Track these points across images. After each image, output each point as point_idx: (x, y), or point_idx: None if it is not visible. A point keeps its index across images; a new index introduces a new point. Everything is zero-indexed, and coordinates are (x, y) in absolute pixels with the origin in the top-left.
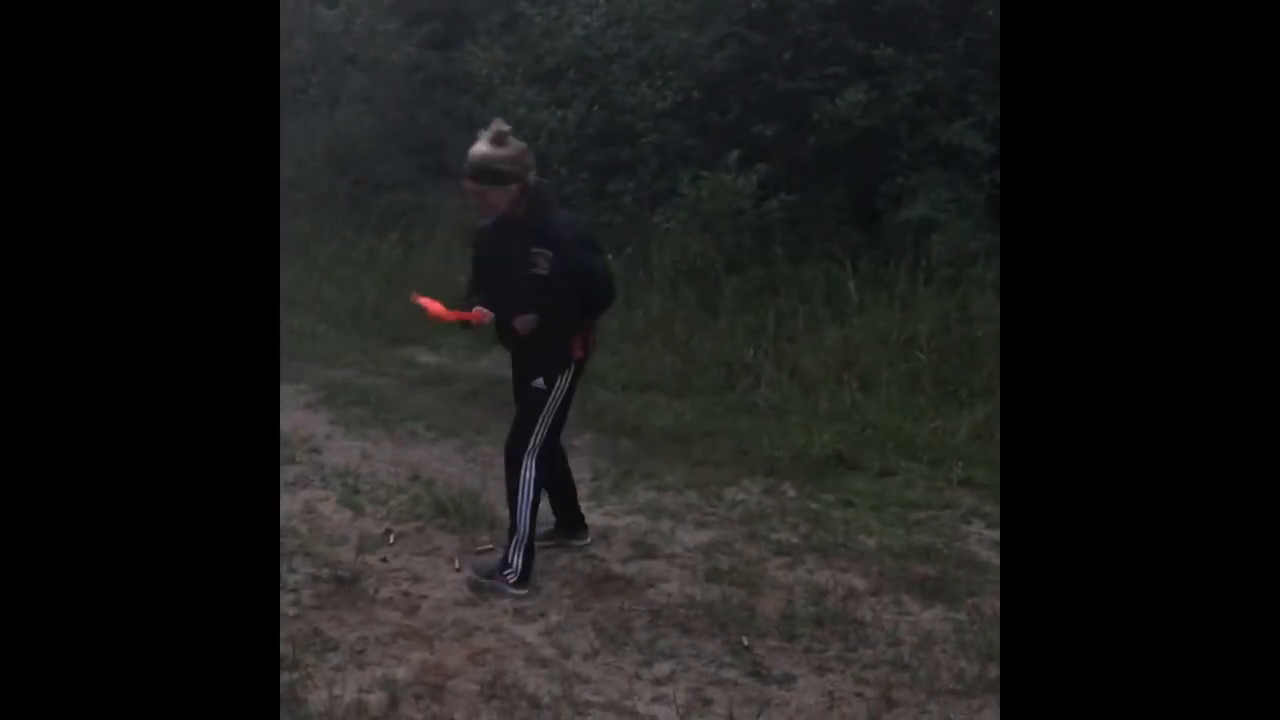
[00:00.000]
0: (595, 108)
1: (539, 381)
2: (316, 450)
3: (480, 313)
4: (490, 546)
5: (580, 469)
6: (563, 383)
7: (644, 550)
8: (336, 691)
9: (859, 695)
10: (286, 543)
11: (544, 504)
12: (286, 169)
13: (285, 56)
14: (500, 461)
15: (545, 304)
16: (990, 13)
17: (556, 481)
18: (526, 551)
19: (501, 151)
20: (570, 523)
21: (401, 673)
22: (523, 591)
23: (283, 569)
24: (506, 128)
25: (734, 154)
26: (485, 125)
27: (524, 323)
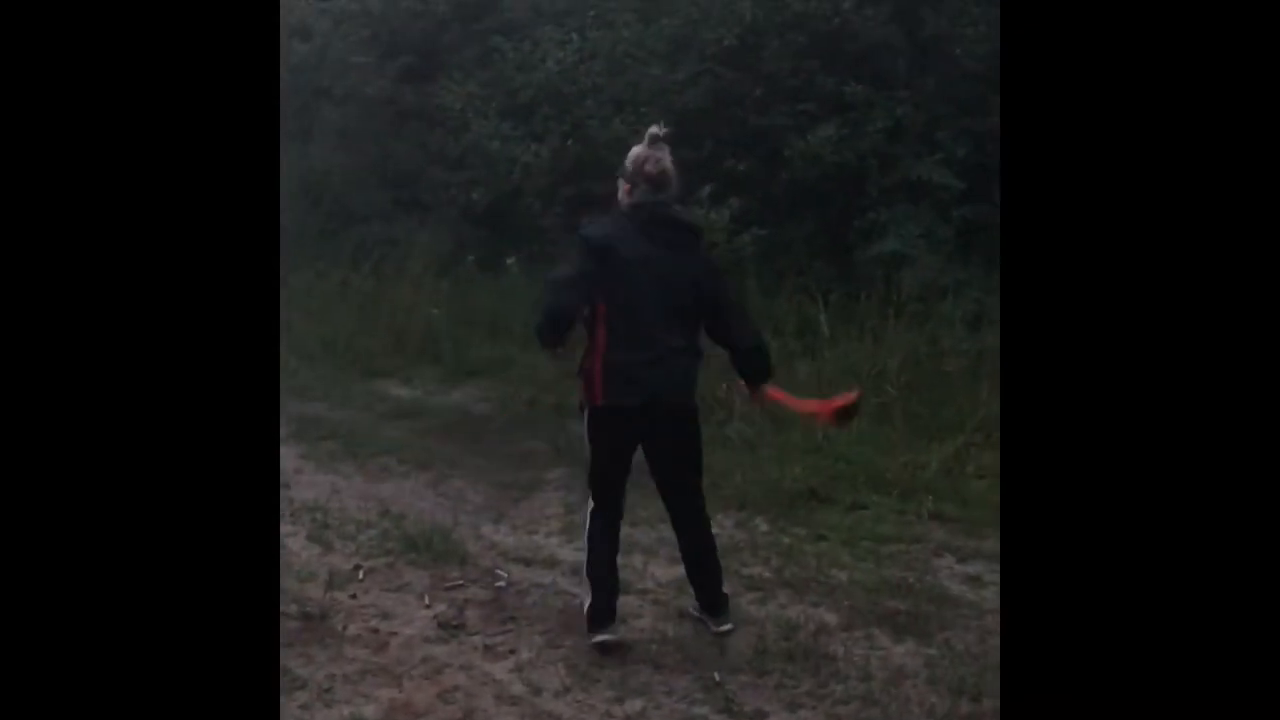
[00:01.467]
0: (569, 142)
1: None
2: (286, 485)
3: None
4: (460, 583)
5: (551, 504)
6: (584, 428)
7: None
8: None
9: None
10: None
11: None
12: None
13: None
14: (472, 495)
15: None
16: (958, 51)
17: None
18: (589, 606)
19: (635, 150)
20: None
21: (370, 711)
22: (600, 636)
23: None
24: (659, 131)
25: (706, 189)
26: (457, 159)
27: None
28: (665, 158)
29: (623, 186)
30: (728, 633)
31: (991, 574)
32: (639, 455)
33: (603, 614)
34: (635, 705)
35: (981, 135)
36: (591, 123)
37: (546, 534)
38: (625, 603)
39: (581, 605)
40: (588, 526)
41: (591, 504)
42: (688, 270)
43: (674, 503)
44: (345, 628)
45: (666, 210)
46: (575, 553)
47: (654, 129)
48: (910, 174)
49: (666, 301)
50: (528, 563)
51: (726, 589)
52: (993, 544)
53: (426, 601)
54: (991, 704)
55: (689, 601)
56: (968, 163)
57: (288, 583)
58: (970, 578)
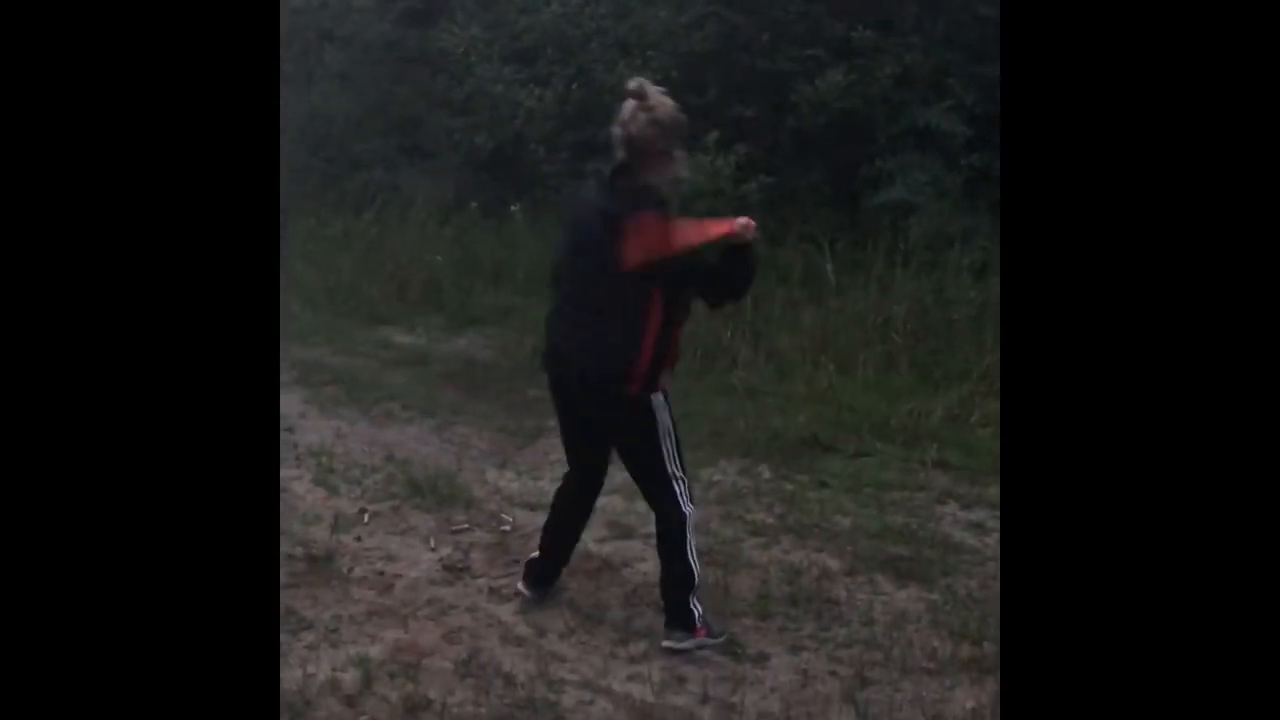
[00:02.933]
0: (573, 86)
1: None
2: (290, 429)
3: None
4: (466, 526)
5: (555, 450)
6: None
7: (620, 531)
8: (310, 670)
9: (833, 674)
10: None
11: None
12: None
13: None
14: (476, 440)
15: None
16: None
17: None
18: (533, 557)
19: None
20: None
21: (376, 651)
22: (525, 590)
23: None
24: (636, 82)
25: (712, 135)
26: (461, 104)
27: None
28: (625, 112)
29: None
30: (670, 650)
31: (994, 521)
32: None
33: (537, 573)
34: (639, 647)
35: (991, 82)
36: (596, 67)
37: (551, 480)
38: (629, 547)
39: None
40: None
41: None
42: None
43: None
44: (351, 570)
45: (616, 178)
46: None
47: (629, 83)
48: (918, 121)
49: (608, 281)
50: (532, 508)
51: (696, 604)
52: (996, 492)
53: (432, 545)
54: (993, 648)
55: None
56: (976, 110)
57: (293, 525)
58: (973, 524)
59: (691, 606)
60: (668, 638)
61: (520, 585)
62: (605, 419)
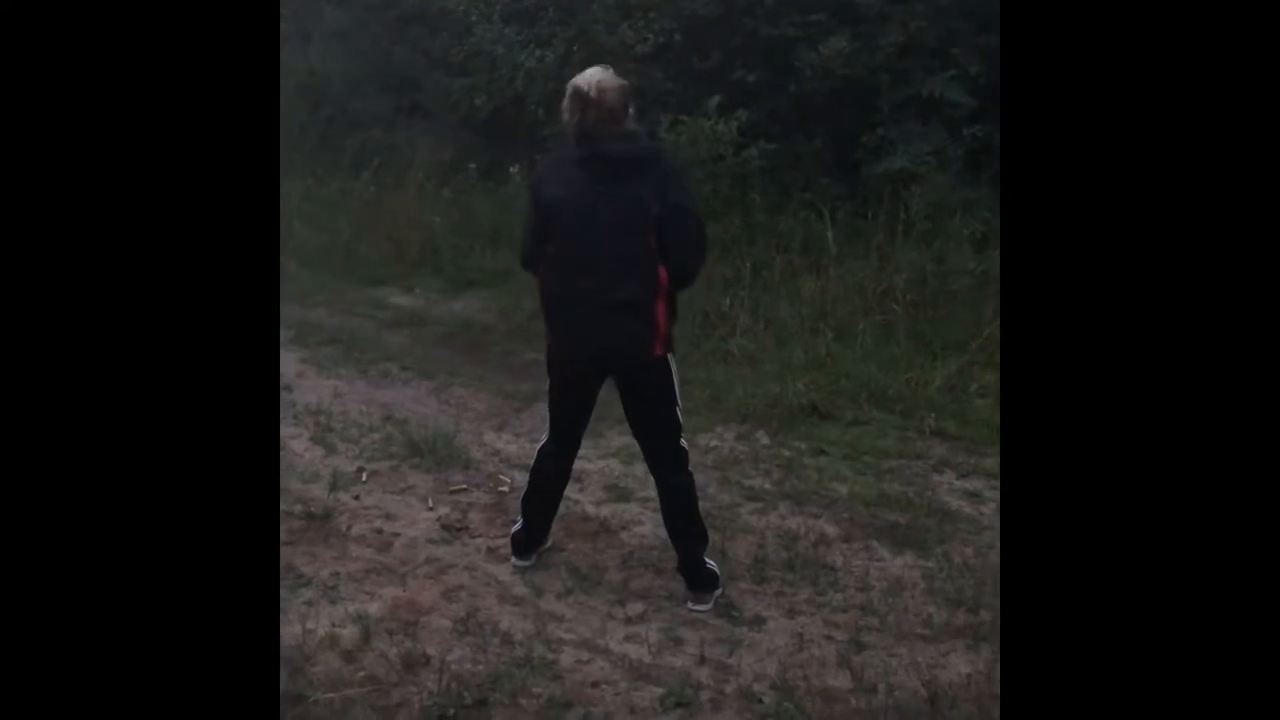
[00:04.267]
0: (574, 48)
1: None
2: (288, 388)
3: None
4: (464, 487)
5: None
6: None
7: (618, 494)
8: (309, 625)
9: (828, 638)
10: None
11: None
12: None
13: None
14: (474, 402)
15: None
16: None
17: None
18: (516, 529)
19: (578, 76)
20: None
21: (374, 608)
22: (519, 562)
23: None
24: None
25: (714, 100)
26: (460, 64)
27: None
28: (608, 78)
29: (569, 119)
30: (704, 613)
31: (991, 490)
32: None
33: (523, 542)
34: (636, 608)
35: (996, 52)
36: (597, 28)
37: None
38: (626, 510)
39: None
40: (535, 460)
41: (546, 437)
42: (640, 204)
43: (649, 457)
44: (349, 528)
45: (607, 145)
46: (578, 461)
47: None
48: (922, 90)
49: (613, 250)
50: (530, 469)
51: (712, 564)
52: (993, 461)
53: (430, 504)
54: (989, 616)
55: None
56: (980, 80)
57: (291, 483)
58: (970, 493)
59: (710, 565)
60: (697, 602)
61: (514, 560)
62: (635, 386)
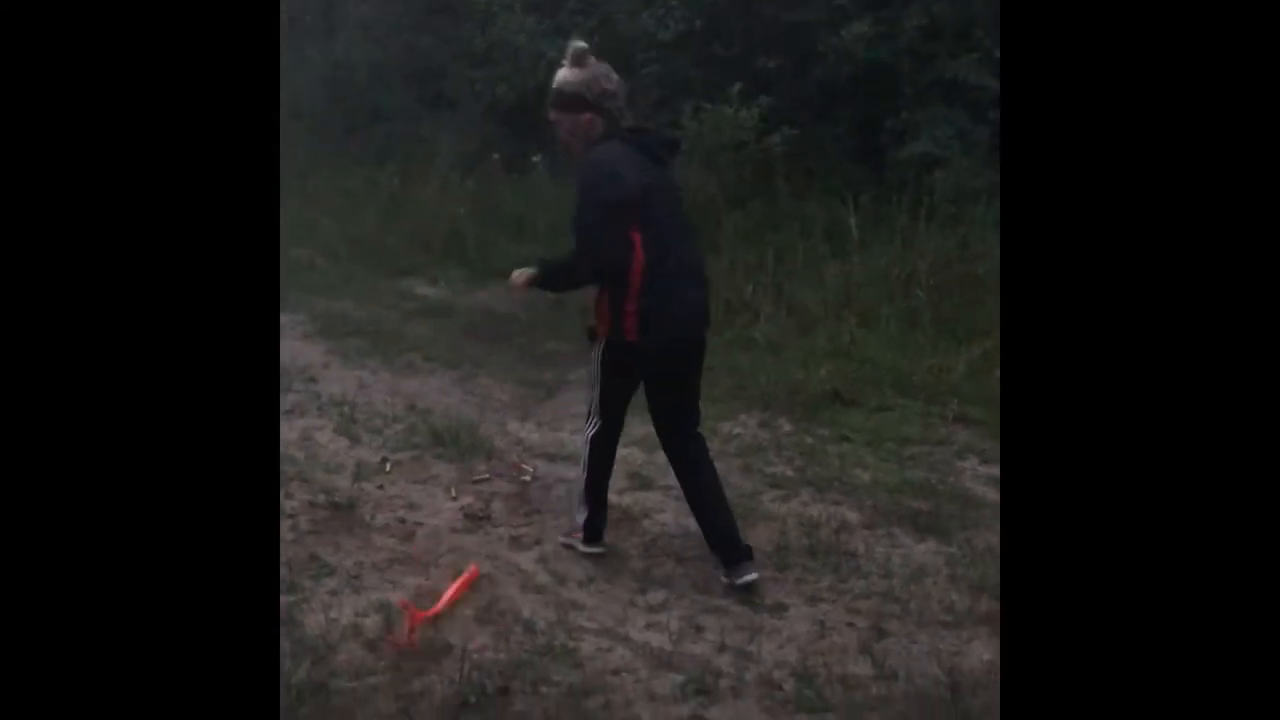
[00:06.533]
0: (595, 37)
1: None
2: (313, 379)
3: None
4: (487, 476)
5: (575, 403)
6: (596, 355)
7: (640, 482)
8: (333, 614)
9: (850, 625)
10: (283, 469)
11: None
12: (283, 97)
13: None
14: (498, 393)
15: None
16: None
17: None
18: (587, 518)
19: (575, 74)
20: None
21: (398, 597)
22: (593, 549)
23: (279, 495)
24: (584, 45)
25: (736, 86)
26: (483, 54)
27: (516, 276)
28: (611, 71)
29: (582, 116)
30: (750, 584)
31: None
32: None
33: (596, 528)
34: (658, 596)
35: None
36: (619, 17)
37: (571, 431)
38: (648, 498)
39: (578, 519)
40: (589, 449)
41: (598, 425)
42: (677, 184)
43: (680, 433)
44: (373, 517)
45: (654, 132)
46: None
47: (577, 44)
48: (945, 74)
49: (687, 226)
50: (552, 458)
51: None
52: None
53: (453, 494)
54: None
55: None
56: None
57: (315, 473)
58: (993, 479)
59: (741, 536)
60: (743, 573)
61: (584, 548)
62: (701, 356)
